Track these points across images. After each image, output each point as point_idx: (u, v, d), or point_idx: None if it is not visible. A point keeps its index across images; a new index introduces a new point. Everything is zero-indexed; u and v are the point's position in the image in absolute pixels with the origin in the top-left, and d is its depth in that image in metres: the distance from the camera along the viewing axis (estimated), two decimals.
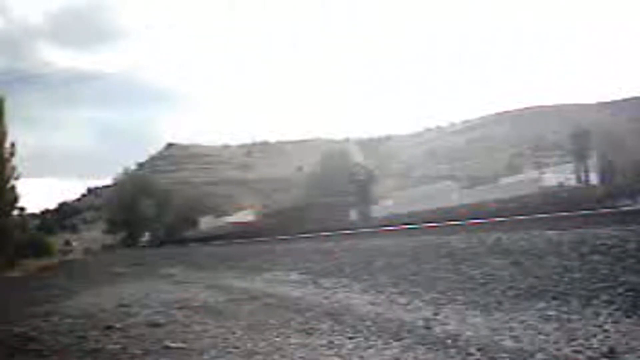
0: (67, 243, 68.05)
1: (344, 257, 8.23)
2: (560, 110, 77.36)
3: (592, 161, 15.65)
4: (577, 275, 4.45)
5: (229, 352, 3.58)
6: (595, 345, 3.00)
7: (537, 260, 5.07)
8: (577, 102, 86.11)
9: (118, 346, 4.01)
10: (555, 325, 3.54)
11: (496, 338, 3.35)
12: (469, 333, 3.54)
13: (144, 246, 48.85)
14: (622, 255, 4.53)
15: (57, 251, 54.78)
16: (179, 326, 4.72)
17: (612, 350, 2.87)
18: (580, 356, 2.87)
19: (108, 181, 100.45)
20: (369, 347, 3.42)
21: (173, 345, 3.90)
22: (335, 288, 6.31)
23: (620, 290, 3.94)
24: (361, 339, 3.65)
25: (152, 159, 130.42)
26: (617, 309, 3.67)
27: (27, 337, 4.54)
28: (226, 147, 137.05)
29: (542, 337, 3.29)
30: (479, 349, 3.11)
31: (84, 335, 4.51)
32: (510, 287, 4.61)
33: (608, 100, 78.58)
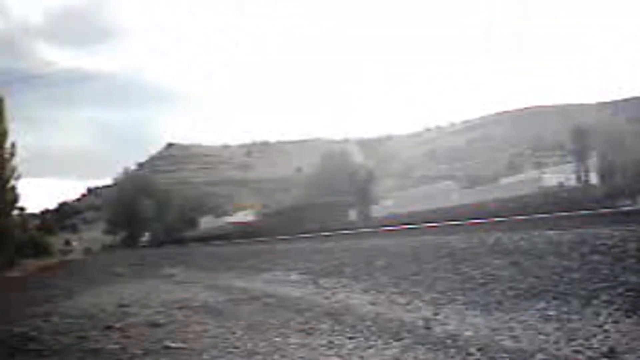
0: (67, 243, 68.05)
1: (344, 257, 8.22)
2: (560, 110, 77.35)
3: (592, 161, 15.64)
4: (577, 275, 4.45)
5: (229, 352, 3.58)
6: (595, 345, 3.00)
7: (537, 260, 5.07)
8: (577, 102, 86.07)
9: (118, 346, 4.01)
10: (555, 325, 3.54)
11: (496, 338, 3.35)
12: (469, 333, 3.54)
13: (144, 246, 48.83)
14: (622, 255, 4.53)
15: (57, 251, 54.77)
16: (179, 326, 4.72)
17: (612, 350, 2.87)
18: (580, 356, 2.87)
19: (108, 181, 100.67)
20: (369, 347, 3.42)
21: (173, 345, 3.90)
22: (335, 288, 6.31)
23: (620, 290, 3.94)
24: (361, 339, 3.65)
25: (152, 159, 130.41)
26: (617, 309, 3.67)
27: (27, 337, 4.54)
28: (226, 147, 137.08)
29: (542, 337, 3.28)
30: (479, 349, 3.11)
31: (84, 335, 4.51)
32: (510, 287, 4.61)
33: (608, 100, 78.55)
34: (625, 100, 68.17)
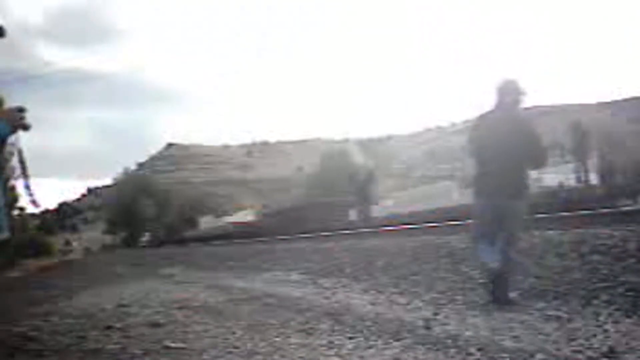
0: (67, 243, 68.13)
1: (344, 257, 8.22)
2: (560, 110, 77.35)
3: (592, 161, 15.63)
4: (577, 275, 4.45)
5: (229, 352, 3.58)
6: (595, 345, 3.00)
7: (537, 260, 5.07)
8: (577, 102, 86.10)
9: (118, 346, 4.01)
10: (555, 325, 3.54)
11: (496, 338, 3.35)
12: (469, 333, 3.54)
13: (144, 246, 48.81)
14: (622, 255, 4.53)
15: (57, 251, 54.80)
16: (179, 326, 4.71)
17: (612, 350, 2.87)
18: (580, 356, 2.87)
19: (108, 181, 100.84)
20: (369, 347, 3.42)
21: (173, 345, 3.90)
22: (335, 288, 6.31)
23: (620, 290, 3.95)
24: (361, 339, 3.65)
25: (152, 159, 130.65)
26: (617, 309, 3.67)
27: (27, 337, 4.54)
28: (226, 147, 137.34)
29: (542, 337, 3.29)
30: (479, 349, 3.11)
31: (84, 335, 4.51)
32: (511, 287, 4.61)
33: (608, 100, 78.59)
34: (625, 100, 68.15)
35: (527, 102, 4.57)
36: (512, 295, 4.31)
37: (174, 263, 14.91)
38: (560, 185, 16.81)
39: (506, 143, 4.34)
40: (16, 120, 2.44)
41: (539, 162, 4.55)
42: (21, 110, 2.47)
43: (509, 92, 4.45)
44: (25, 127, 2.49)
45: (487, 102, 4.58)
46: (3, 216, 2.52)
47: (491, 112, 4.54)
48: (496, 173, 4.36)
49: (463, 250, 6.25)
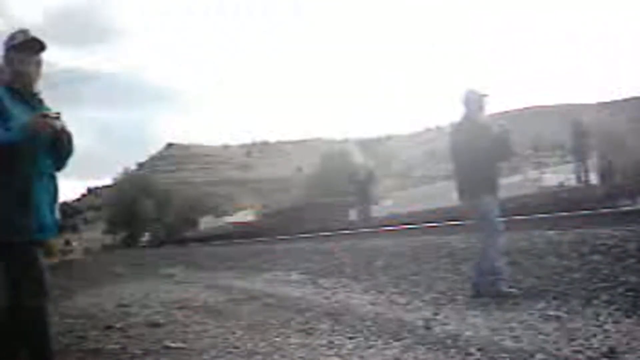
0: (67, 243, 67.97)
1: (344, 257, 8.23)
2: (560, 110, 77.33)
3: (592, 161, 15.60)
4: (577, 275, 4.45)
5: (229, 352, 3.58)
6: (595, 345, 3.00)
7: (537, 260, 5.07)
8: (577, 102, 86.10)
9: (118, 346, 4.01)
10: (555, 325, 3.54)
11: (496, 338, 3.35)
12: (469, 333, 3.54)
13: (144, 246, 48.77)
14: (622, 255, 4.53)
15: (57, 251, 54.70)
16: (179, 326, 4.72)
17: (612, 350, 2.87)
18: (580, 356, 2.87)
19: (108, 181, 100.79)
20: (369, 347, 3.42)
21: (173, 345, 3.90)
22: (335, 288, 6.31)
23: (620, 290, 3.95)
24: (361, 339, 3.65)
25: (152, 159, 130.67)
26: (617, 309, 3.67)
27: None
28: (226, 147, 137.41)
29: (542, 337, 3.28)
30: (479, 349, 3.11)
31: (84, 335, 4.51)
32: (511, 287, 4.61)
33: (608, 100, 78.52)
34: (625, 100, 68.08)
35: (491, 106, 4.95)
36: (507, 289, 4.36)
37: (174, 263, 14.91)
38: (561, 185, 16.79)
39: (474, 148, 4.69)
40: (39, 126, 2.43)
41: (506, 157, 4.96)
42: (44, 116, 2.47)
43: (473, 101, 4.83)
44: (56, 131, 2.48)
45: (455, 112, 4.95)
46: (52, 214, 2.52)
47: (460, 121, 4.95)
48: (469, 176, 4.76)
49: (463, 250, 6.25)
